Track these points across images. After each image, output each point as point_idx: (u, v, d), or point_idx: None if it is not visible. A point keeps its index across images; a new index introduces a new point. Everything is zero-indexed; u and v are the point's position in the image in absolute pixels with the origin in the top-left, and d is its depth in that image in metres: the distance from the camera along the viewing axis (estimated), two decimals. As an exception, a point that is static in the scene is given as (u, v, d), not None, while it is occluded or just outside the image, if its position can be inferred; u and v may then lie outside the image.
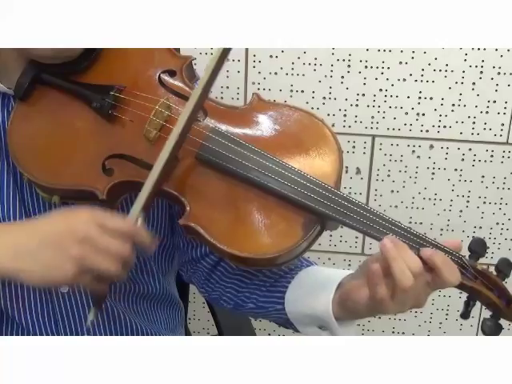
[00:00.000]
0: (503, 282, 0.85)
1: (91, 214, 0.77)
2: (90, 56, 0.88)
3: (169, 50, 0.91)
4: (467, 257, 0.84)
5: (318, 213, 0.81)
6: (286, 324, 0.94)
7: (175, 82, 0.89)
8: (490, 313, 0.86)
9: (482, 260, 0.87)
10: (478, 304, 0.87)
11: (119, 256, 0.75)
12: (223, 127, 0.86)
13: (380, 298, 0.77)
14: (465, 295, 0.86)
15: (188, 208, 0.82)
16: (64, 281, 0.75)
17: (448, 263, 0.79)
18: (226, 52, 0.80)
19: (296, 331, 0.93)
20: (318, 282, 0.88)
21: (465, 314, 0.85)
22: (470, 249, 0.85)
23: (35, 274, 0.74)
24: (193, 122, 0.82)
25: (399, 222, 0.82)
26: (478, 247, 0.85)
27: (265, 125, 0.88)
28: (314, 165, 0.84)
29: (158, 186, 0.79)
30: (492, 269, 0.86)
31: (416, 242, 0.81)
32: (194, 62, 0.93)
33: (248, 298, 0.96)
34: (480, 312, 0.87)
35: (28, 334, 0.93)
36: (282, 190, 0.81)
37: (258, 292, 0.95)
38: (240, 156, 0.83)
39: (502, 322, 0.86)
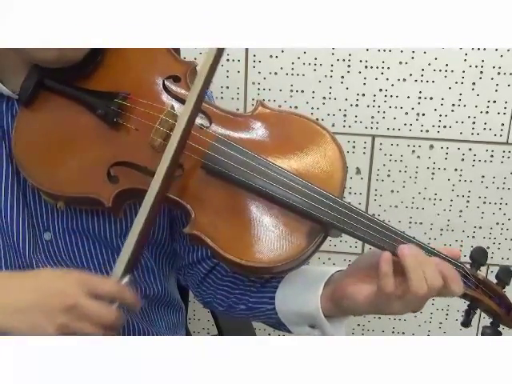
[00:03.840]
0: (503, 290, 0.86)
1: (80, 278, 0.78)
2: (93, 61, 0.88)
3: (172, 55, 0.91)
4: (468, 266, 0.85)
5: (322, 222, 0.81)
6: (278, 325, 0.94)
7: (180, 89, 0.89)
8: (490, 320, 0.87)
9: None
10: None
11: (105, 322, 0.77)
12: (228, 136, 0.86)
13: (389, 292, 0.78)
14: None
15: (193, 216, 0.82)
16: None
17: (454, 274, 0.80)
18: (219, 53, 0.80)
19: (288, 332, 0.93)
20: (308, 280, 0.89)
21: (466, 323, 0.86)
22: (471, 257, 0.86)
23: (20, 330, 0.75)
24: (188, 134, 0.81)
25: (401, 231, 0.82)
26: (479, 256, 0.85)
27: (269, 133, 0.88)
28: (318, 174, 0.84)
29: (141, 241, 0.79)
30: (492, 269, 0.87)
31: None
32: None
33: (239, 300, 0.96)
34: (480, 312, 0.87)
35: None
36: (287, 199, 0.81)
37: (249, 293, 0.95)
38: (245, 165, 0.83)
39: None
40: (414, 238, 0.82)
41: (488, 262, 0.87)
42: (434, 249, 0.82)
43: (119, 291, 0.79)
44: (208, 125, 0.87)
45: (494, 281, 0.86)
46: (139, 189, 0.82)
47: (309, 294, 0.86)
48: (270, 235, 0.82)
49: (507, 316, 0.85)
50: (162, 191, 0.79)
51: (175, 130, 0.80)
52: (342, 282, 0.84)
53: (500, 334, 0.85)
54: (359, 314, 0.86)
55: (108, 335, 0.78)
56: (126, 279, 0.79)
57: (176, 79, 0.90)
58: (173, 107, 0.86)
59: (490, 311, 0.86)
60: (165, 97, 0.88)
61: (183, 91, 0.89)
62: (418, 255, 0.79)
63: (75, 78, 0.88)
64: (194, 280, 1.01)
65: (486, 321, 0.88)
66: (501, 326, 0.87)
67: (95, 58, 0.88)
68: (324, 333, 0.87)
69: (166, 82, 0.89)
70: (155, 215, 0.82)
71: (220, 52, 0.80)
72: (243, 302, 0.96)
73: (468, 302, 0.87)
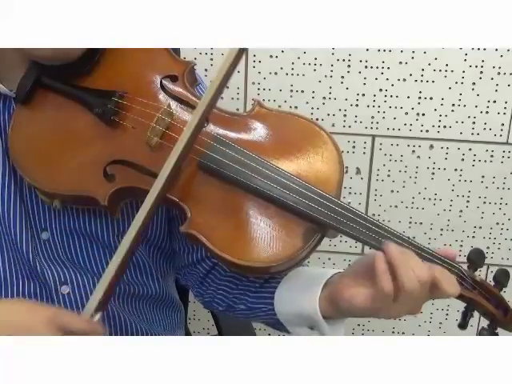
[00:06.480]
0: (501, 292, 0.86)
1: (52, 315, 0.75)
2: (92, 59, 0.88)
3: (170, 54, 0.91)
4: (466, 267, 0.84)
5: (318, 222, 0.81)
6: (278, 325, 0.94)
7: (177, 88, 0.89)
8: (488, 322, 0.86)
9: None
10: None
11: None
12: (225, 135, 0.86)
13: (387, 291, 0.77)
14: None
15: (189, 215, 0.82)
16: None
17: (446, 275, 0.79)
18: (240, 53, 0.80)
19: (287, 332, 0.93)
20: (306, 281, 0.89)
21: (463, 325, 0.85)
22: (468, 259, 0.85)
23: None
24: (196, 138, 0.81)
25: (398, 232, 0.81)
26: (477, 258, 0.85)
27: (266, 133, 0.87)
28: (315, 174, 0.84)
29: (119, 272, 0.77)
30: (492, 269, 0.87)
31: (415, 252, 0.80)
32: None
33: (239, 300, 0.96)
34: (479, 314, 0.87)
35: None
36: (284, 199, 0.81)
37: (248, 293, 0.95)
38: (242, 165, 0.82)
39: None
40: (412, 238, 0.82)
41: (488, 262, 0.88)
42: (430, 250, 0.82)
43: (91, 329, 0.76)
44: (205, 124, 0.87)
45: (492, 283, 0.86)
46: (136, 187, 0.82)
47: (307, 297, 0.86)
48: (266, 235, 0.81)
49: (504, 318, 0.85)
50: (158, 198, 0.78)
51: (183, 134, 0.79)
52: (339, 285, 0.84)
53: (497, 335, 0.85)
54: (358, 317, 0.85)
55: None
56: (97, 316, 0.77)
57: (173, 79, 0.90)
58: (169, 106, 0.86)
59: (488, 313, 0.85)
60: (162, 96, 0.88)
61: (180, 90, 0.89)
62: (403, 251, 0.79)
63: (73, 77, 0.88)
64: (194, 280, 1.01)
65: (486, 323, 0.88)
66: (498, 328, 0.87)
67: (93, 56, 0.88)
68: (323, 334, 0.87)
69: (163, 82, 0.89)
70: (138, 243, 0.80)
71: (241, 52, 0.80)
72: (242, 301, 0.96)
73: (465, 304, 0.86)
